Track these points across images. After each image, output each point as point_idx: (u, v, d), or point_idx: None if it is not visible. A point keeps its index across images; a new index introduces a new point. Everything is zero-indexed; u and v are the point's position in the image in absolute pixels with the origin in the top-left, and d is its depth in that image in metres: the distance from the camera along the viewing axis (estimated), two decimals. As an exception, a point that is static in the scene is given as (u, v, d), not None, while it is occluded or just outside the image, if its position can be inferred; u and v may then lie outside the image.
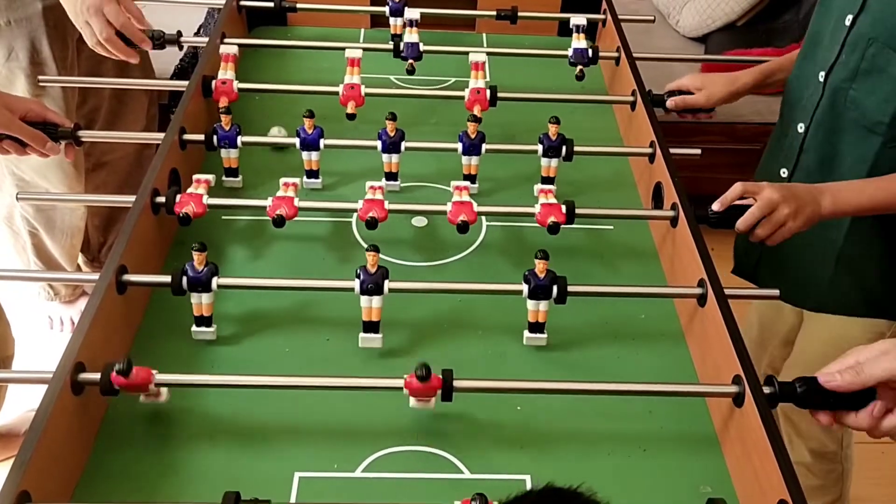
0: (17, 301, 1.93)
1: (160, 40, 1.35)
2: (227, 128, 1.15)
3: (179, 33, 1.38)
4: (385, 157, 1.19)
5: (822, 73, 1.16)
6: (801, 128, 1.21)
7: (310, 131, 1.16)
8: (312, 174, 1.20)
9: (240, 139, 1.16)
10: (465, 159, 1.19)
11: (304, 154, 1.18)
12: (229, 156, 1.18)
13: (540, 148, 1.18)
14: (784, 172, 1.25)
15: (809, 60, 1.21)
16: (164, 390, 0.86)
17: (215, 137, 1.15)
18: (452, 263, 1.12)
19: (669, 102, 1.31)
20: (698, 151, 1.24)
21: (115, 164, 1.88)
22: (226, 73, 1.26)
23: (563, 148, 1.18)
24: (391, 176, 1.20)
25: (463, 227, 1.03)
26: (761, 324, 1.49)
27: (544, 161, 1.20)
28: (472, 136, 1.17)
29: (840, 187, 1.09)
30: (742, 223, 1.04)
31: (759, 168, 1.39)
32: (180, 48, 1.39)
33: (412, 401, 0.85)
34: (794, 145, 1.23)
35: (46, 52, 1.54)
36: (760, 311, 1.50)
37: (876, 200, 1.08)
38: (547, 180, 1.21)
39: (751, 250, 1.33)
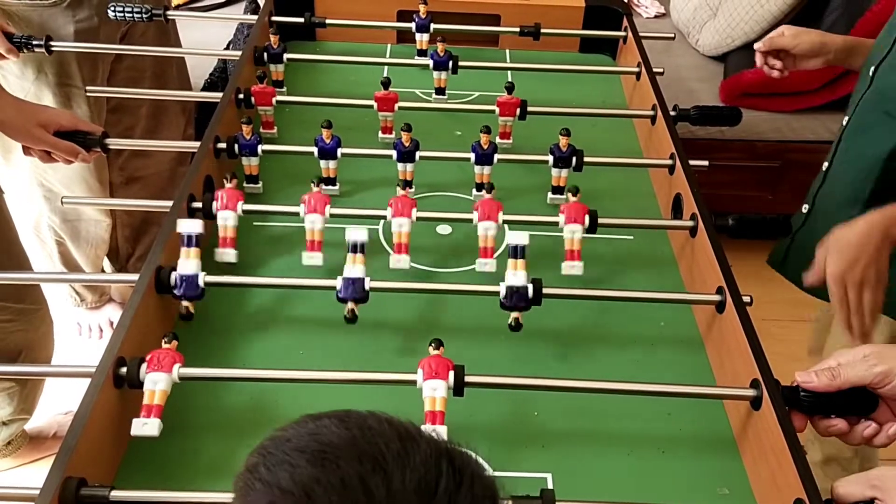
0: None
1: (28, 45, 1.39)
2: (248, 136, 1.20)
3: (48, 37, 1.40)
4: (400, 165, 1.22)
5: (873, 68, 1.20)
6: (845, 120, 1.25)
7: (328, 141, 1.20)
8: (329, 181, 1.25)
9: (260, 147, 1.21)
10: (477, 168, 1.23)
11: (322, 163, 1.23)
12: (250, 163, 1.23)
13: (551, 158, 1.22)
14: (825, 165, 1.29)
15: (868, 60, 1.25)
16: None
17: (237, 146, 1.20)
18: (474, 270, 1.15)
19: (757, 44, 1.34)
20: (705, 163, 1.25)
21: (148, 179, 1.92)
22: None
23: (574, 158, 1.21)
24: (407, 184, 1.24)
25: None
26: None
27: (555, 171, 1.23)
28: (485, 147, 1.20)
29: None
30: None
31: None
32: (48, 52, 1.41)
33: (421, 383, 0.86)
34: (837, 136, 1.27)
35: (75, 72, 1.58)
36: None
37: None
38: (557, 190, 1.25)
39: (781, 243, 1.37)
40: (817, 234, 1.25)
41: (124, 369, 0.85)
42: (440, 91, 1.47)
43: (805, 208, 1.33)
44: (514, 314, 1.00)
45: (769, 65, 1.33)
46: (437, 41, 1.44)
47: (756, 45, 1.34)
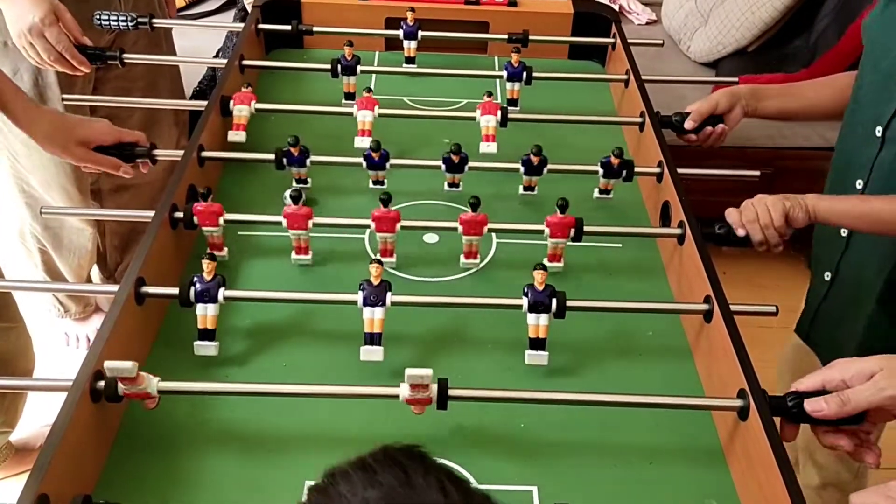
0: (33, 318, 1.96)
1: (102, 58, 1.38)
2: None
3: (121, 50, 1.42)
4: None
5: (880, 129, 1.12)
6: (859, 184, 1.17)
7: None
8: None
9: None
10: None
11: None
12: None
13: (601, 170, 1.23)
14: (844, 231, 1.20)
15: (860, 116, 1.18)
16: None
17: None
18: (462, 280, 1.14)
19: (688, 123, 1.30)
20: (757, 173, 1.28)
21: (139, 188, 1.91)
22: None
23: (624, 171, 1.22)
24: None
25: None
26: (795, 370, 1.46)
27: (603, 180, 1.24)
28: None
29: (827, 197, 1.09)
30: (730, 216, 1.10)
31: (817, 227, 1.32)
32: (122, 64, 1.42)
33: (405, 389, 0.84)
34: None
35: (51, 77, 1.56)
36: (794, 360, 1.43)
37: (855, 209, 1.08)
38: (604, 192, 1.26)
39: (807, 312, 1.33)
40: (844, 303, 1.23)
41: (102, 383, 0.83)
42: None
43: (827, 276, 1.25)
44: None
45: (706, 135, 1.32)
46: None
47: (687, 125, 1.30)
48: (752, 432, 0.83)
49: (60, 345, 2.09)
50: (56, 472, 0.74)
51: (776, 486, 0.77)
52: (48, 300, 2.02)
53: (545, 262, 1.12)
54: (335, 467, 0.49)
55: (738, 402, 0.85)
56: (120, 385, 0.83)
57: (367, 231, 1.19)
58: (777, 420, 0.83)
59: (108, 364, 0.79)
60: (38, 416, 1.80)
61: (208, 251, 1.09)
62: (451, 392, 0.84)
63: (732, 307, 0.96)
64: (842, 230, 1.20)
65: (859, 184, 1.17)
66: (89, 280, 2.03)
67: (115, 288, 0.94)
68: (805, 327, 1.34)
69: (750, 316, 0.99)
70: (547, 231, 1.09)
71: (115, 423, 0.89)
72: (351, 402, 0.92)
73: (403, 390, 0.84)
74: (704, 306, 0.98)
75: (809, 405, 0.80)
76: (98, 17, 1.44)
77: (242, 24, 1.57)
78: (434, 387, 0.84)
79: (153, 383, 0.84)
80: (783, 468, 0.76)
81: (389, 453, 0.49)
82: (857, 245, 1.19)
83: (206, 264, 0.96)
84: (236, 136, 1.28)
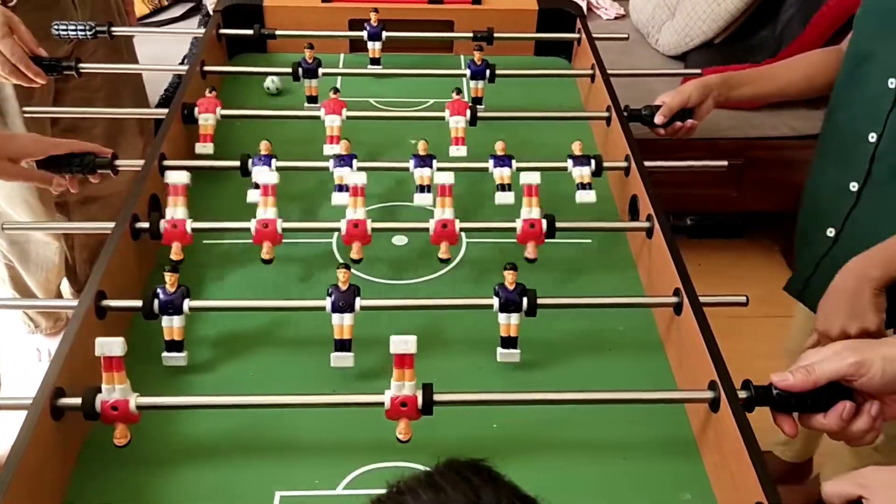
0: (4, 334, 1.93)
1: (58, 69, 1.36)
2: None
3: (78, 60, 1.40)
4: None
5: (893, 80, 1.10)
6: (872, 137, 1.14)
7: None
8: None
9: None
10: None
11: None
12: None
13: (570, 162, 1.20)
14: (854, 186, 1.18)
15: (867, 71, 1.16)
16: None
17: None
18: (432, 281, 1.13)
19: (658, 118, 1.29)
20: (724, 163, 1.27)
21: (107, 199, 1.88)
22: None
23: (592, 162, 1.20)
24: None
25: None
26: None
27: (576, 171, 1.21)
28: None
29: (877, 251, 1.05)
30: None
31: (815, 182, 1.31)
32: (78, 74, 1.40)
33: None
34: (865, 156, 1.16)
35: (9, 90, 1.53)
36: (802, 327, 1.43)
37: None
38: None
39: (802, 271, 1.32)
40: (848, 260, 1.19)
41: (63, 400, 0.81)
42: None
43: (831, 232, 1.23)
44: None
45: (674, 130, 1.31)
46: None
47: (657, 120, 1.29)
48: (723, 423, 0.82)
49: (32, 360, 2.05)
50: (16, 493, 0.73)
51: (748, 476, 0.76)
52: (18, 316, 1.99)
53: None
54: (401, 482, 0.47)
55: (709, 394, 0.85)
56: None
57: (335, 235, 1.18)
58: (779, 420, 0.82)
59: (99, 340, 0.80)
60: (9, 435, 1.77)
61: (170, 266, 1.06)
62: (437, 398, 0.83)
63: (702, 299, 0.95)
64: (851, 186, 1.18)
65: (872, 137, 1.14)
66: (59, 294, 2.00)
67: (74, 303, 0.92)
68: (799, 286, 1.33)
69: (721, 307, 0.99)
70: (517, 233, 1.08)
71: (78, 439, 0.87)
72: (322, 411, 0.90)
73: (386, 398, 0.83)
74: (674, 299, 0.97)
75: (776, 376, 0.81)
76: (56, 27, 1.42)
77: (204, 30, 1.55)
78: (419, 394, 0.83)
79: (133, 399, 0.83)
80: (754, 457, 0.76)
81: (456, 468, 0.48)
82: (869, 200, 1.18)
83: (169, 277, 0.94)
84: (204, 148, 1.26)
